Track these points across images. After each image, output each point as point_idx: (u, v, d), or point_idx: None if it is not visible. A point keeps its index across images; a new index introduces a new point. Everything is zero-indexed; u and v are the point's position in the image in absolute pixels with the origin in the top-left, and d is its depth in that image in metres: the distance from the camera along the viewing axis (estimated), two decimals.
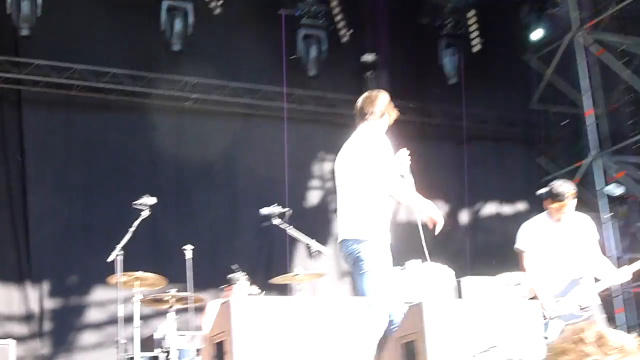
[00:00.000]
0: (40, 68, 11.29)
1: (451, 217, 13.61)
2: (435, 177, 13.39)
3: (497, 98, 13.83)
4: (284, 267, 9.34)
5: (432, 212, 6.94)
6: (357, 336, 5.96)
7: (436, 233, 6.96)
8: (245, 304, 5.78)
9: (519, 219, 13.52)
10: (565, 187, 8.11)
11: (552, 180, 8.98)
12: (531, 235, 8.14)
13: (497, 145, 14.32)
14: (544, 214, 8.27)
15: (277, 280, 9.00)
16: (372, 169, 6.75)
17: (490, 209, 14.09)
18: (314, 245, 9.66)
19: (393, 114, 7.10)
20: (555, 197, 8.12)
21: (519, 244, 8.20)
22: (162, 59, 11.82)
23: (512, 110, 14.18)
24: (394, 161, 6.80)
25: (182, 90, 11.91)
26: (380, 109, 6.99)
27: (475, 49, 13.34)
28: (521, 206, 14.16)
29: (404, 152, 6.89)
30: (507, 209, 14.01)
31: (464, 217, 13.66)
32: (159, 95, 11.87)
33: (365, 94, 7.15)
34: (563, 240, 8.13)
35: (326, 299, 6.26)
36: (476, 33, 13.33)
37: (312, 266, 9.95)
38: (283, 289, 8.92)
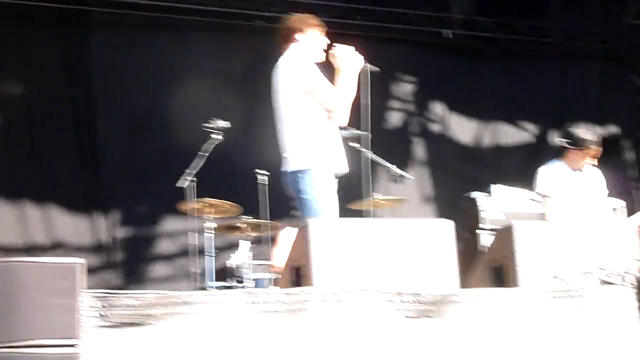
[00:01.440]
0: None
1: (541, 138, 13.42)
2: (522, 97, 13.23)
3: (588, 13, 13.47)
4: (363, 192, 9.27)
5: (348, 57, 6.91)
6: (441, 258, 5.90)
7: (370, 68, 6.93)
8: (325, 227, 5.74)
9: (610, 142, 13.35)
10: (593, 133, 8.01)
11: None
12: (552, 181, 8.05)
13: (588, 62, 13.95)
14: (560, 161, 8.16)
15: (356, 205, 8.96)
16: (290, 92, 6.81)
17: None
18: (395, 169, 9.61)
19: (311, 30, 7.03)
20: (586, 145, 8.00)
21: (541, 189, 8.12)
22: None
23: (605, 26, 13.78)
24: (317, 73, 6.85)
25: (258, 10, 11.83)
26: (287, 33, 7.09)
27: None
28: (613, 129, 13.87)
29: (340, 47, 6.95)
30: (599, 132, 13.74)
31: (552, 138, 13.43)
32: (229, 13, 11.79)
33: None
34: (583, 190, 8.05)
35: (408, 221, 6.18)
36: None
37: (392, 191, 9.91)
38: (362, 215, 8.85)
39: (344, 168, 6.99)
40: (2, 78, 10.98)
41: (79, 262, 4.05)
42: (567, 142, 8.33)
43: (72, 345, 3.91)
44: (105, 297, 4.35)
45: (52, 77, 11.11)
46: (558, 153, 8.62)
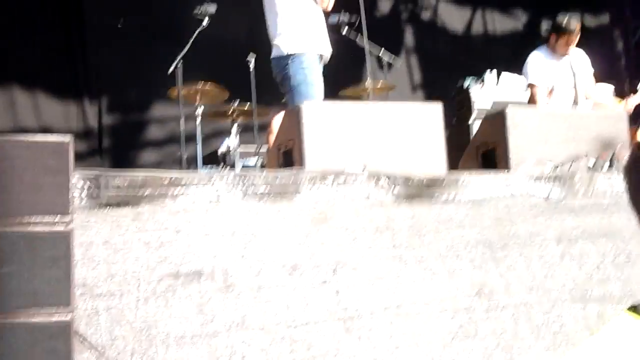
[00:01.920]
0: None
1: (528, 27, 13.30)
2: None
3: None
4: (354, 79, 9.22)
5: None
6: (430, 141, 5.90)
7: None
8: (316, 109, 5.72)
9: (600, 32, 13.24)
10: (573, 21, 8.10)
11: None
12: (540, 69, 8.18)
13: None
14: (545, 47, 8.30)
15: (348, 92, 8.92)
16: None
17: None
18: (385, 55, 9.55)
19: None
20: (563, 30, 8.12)
21: (531, 79, 8.25)
22: None
23: None
24: None
25: None
26: None
27: None
28: (604, 18, 13.78)
29: None
30: (589, 21, 13.59)
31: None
32: None
33: None
34: (569, 74, 8.18)
35: (397, 105, 6.16)
36: None
37: (383, 78, 9.86)
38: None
39: (329, 52, 6.96)
40: None
41: (67, 139, 4.02)
42: (549, 27, 8.46)
43: (64, 223, 3.91)
44: (96, 176, 4.36)
45: None
46: (544, 39, 8.71)
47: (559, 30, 8.31)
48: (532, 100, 8.45)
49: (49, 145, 3.96)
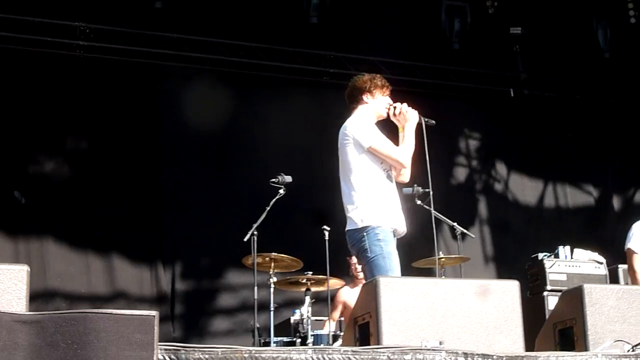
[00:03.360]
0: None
1: (600, 202, 13.35)
2: (578, 161, 13.20)
3: None
4: (426, 250, 9.27)
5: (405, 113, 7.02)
6: (507, 319, 5.88)
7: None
8: (393, 284, 5.75)
9: None
10: None
11: None
12: None
13: None
14: None
15: (420, 264, 8.95)
16: (354, 152, 6.86)
17: None
18: (458, 227, 9.61)
19: (378, 91, 7.10)
20: None
21: (631, 244, 8.25)
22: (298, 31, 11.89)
23: None
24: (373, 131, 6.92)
25: (318, 65, 11.98)
26: (354, 93, 7.15)
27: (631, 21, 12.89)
28: None
29: (398, 105, 7.03)
30: None
31: (615, 203, 13.30)
32: (296, 69, 11.95)
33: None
34: None
35: (474, 281, 6.17)
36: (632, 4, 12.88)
37: (454, 250, 9.90)
38: (425, 274, 8.85)
39: (403, 227, 7.00)
40: (73, 129, 11.20)
41: (154, 314, 4.09)
42: None
43: None
44: (177, 350, 4.39)
45: (120, 129, 11.30)
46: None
47: None
48: (630, 267, 8.45)
49: (135, 320, 4.03)
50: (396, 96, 7.25)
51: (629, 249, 8.45)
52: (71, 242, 10.72)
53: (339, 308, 9.94)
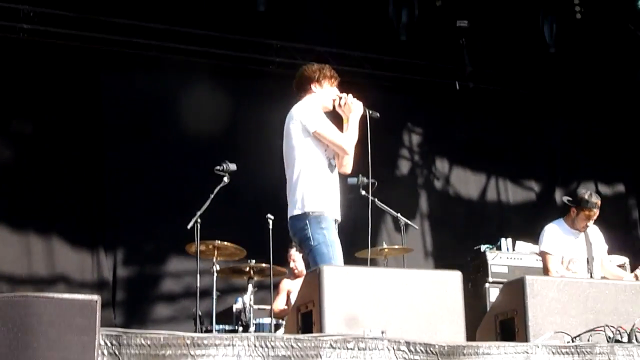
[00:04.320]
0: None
1: (543, 196, 13.49)
2: (521, 155, 13.33)
3: (598, 70, 13.56)
4: (368, 241, 9.30)
5: (350, 104, 7.04)
6: (449, 309, 5.92)
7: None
8: (336, 273, 5.75)
9: (615, 202, 13.41)
10: (595, 196, 8.32)
11: None
12: (556, 239, 8.33)
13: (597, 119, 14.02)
14: (563, 220, 8.48)
15: (363, 254, 8.98)
16: (299, 137, 6.89)
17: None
18: (402, 218, 9.65)
19: (327, 82, 7.18)
20: (584, 205, 8.32)
21: (545, 247, 8.43)
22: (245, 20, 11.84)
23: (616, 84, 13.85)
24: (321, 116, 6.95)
25: (265, 54, 11.96)
26: (302, 82, 7.20)
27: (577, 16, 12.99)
28: (620, 187, 13.97)
29: (344, 96, 7.06)
30: (604, 190, 13.75)
31: (558, 196, 13.45)
32: (243, 58, 11.92)
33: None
34: (585, 248, 8.34)
35: (417, 271, 6.21)
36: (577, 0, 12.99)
37: (399, 241, 9.94)
38: (367, 264, 8.88)
39: (339, 216, 7.03)
40: (16, 112, 11.06)
41: (95, 299, 4.05)
42: (569, 201, 8.61)
43: None
44: (119, 335, 4.35)
45: (63, 113, 11.18)
46: (562, 211, 8.87)
47: (580, 205, 8.47)
48: (545, 268, 8.57)
49: (77, 304, 3.99)
50: (342, 87, 7.26)
51: (542, 251, 8.62)
52: (12, 225, 10.59)
53: (282, 295, 9.96)
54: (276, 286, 9.91)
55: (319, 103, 7.11)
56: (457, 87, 12.87)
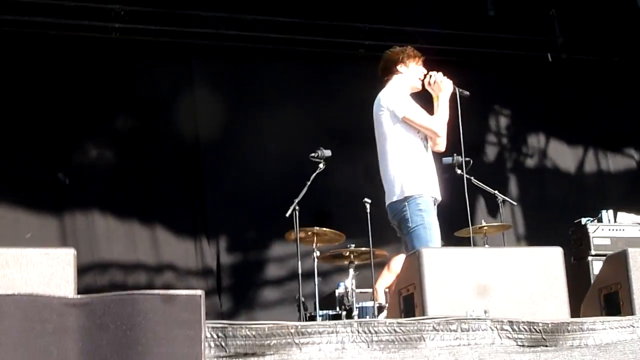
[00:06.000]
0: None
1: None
2: (618, 124, 13.06)
3: None
4: (467, 219, 9.23)
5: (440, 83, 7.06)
6: (552, 286, 5.85)
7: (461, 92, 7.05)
8: (436, 255, 5.73)
9: None
10: None
11: None
12: None
13: None
14: None
15: (462, 233, 8.92)
16: (389, 123, 6.90)
17: None
18: (500, 195, 9.56)
19: (411, 61, 7.10)
20: None
21: None
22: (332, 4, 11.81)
23: None
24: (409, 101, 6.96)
25: (358, 39, 11.94)
26: (388, 65, 7.20)
27: None
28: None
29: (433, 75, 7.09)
30: None
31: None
32: (331, 43, 11.91)
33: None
34: None
35: (517, 249, 6.15)
36: None
37: (497, 219, 9.85)
38: (467, 243, 8.83)
39: (439, 195, 7.00)
40: (117, 108, 11.27)
41: (200, 293, 4.11)
42: None
43: None
44: (224, 327, 4.41)
45: (159, 105, 11.35)
46: None
47: None
48: None
49: (182, 299, 4.05)
50: (432, 66, 7.22)
51: None
52: (117, 216, 10.79)
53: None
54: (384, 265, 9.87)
55: (406, 84, 7.10)
56: (550, 59, 12.66)
